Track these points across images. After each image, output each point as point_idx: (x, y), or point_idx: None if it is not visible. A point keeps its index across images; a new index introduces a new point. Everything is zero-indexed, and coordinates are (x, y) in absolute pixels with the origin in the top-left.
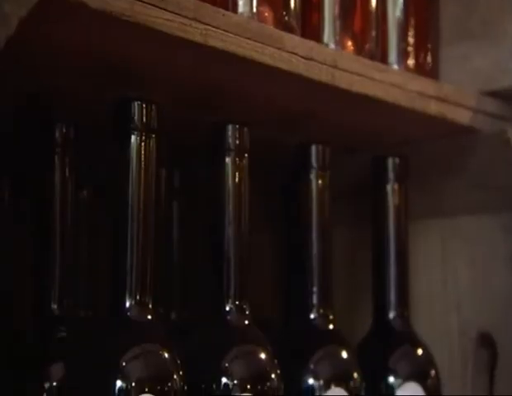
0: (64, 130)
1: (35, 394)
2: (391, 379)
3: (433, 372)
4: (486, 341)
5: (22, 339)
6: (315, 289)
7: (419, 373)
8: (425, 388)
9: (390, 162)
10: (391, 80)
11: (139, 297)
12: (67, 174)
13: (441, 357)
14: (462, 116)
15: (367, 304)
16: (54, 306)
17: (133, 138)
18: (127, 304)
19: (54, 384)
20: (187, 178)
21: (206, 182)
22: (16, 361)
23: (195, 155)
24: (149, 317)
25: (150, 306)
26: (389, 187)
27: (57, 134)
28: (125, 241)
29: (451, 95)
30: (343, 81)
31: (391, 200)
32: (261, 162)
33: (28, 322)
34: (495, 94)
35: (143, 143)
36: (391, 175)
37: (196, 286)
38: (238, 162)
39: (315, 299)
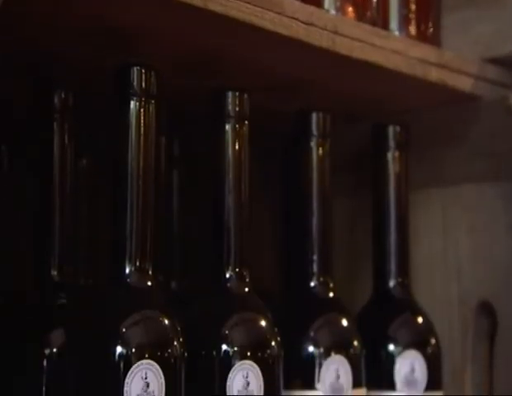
0: (63, 97)
1: (36, 361)
2: (391, 346)
3: (433, 340)
4: (486, 310)
5: (22, 306)
6: (315, 257)
7: (419, 341)
8: (425, 355)
9: (390, 130)
10: (392, 46)
11: (139, 263)
12: (66, 141)
13: (441, 326)
14: (464, 83)
15: (368, 272)
16: (54, 272)
17: (132, 103)
18: (127, 271)
19: (55, 350)
20: (187, 147)
21: (206, 150)
22: (17, 328)
23: (195, 123)
24: (149, 283)
25: (150, 273)
26: (389, 155)
27: (56, 101)
28: (125, 207)
29: (452, 62)
30: (344, 47)
31: (392, 168)
32: (261, 130)
33: (28, 289)
34: (496, 61)
35: (142, 109)
36: (391, 143)
37: (196, 255)
38: (238, 129)
39: (315, 267)
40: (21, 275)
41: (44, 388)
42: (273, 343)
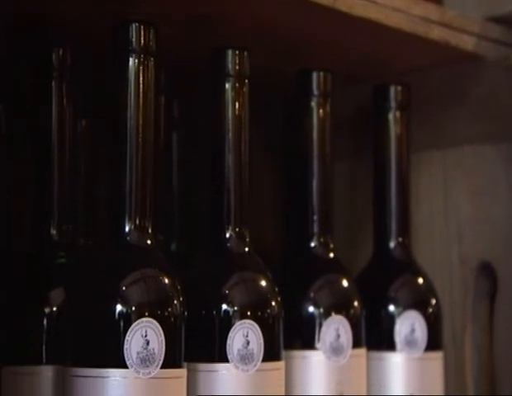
0: (62, 54)
1: (36, 320)
2: (392, 307)
3: (433, 301)
4: (487, 271)
5: (22, 265)
6: (315, 217)
7: (420, 301)
8: (425, 316)
9: (392, 89)
10: (394, 4)
11: (139, 222)
12: (65, 101)
13: (441, 287)
14: (466, 42)
15: (368, 235)
16: (54, 232)
17: (131, 60)
18: (126, 229)
19: (54, 309)
20: (187, 108)
21: (206, 111)
22: (16, 288)
23: (194, 83)
24: (149, 242)
25: (150, 231)
26: (391, 116)
27: (54, 58)
28: (124, 165)
29: (454, 20)
30: (344, 4)
31: (393, 129)
32: (261, 91)
33: (28, 248)
34: (499, 20)
35: (141, 66)
36: (392, 103)
37: (196, 217)
38: (238, 88)
39: (315, 228)
40: (20, 234)
41: (44, 347)
42: (273, 303)
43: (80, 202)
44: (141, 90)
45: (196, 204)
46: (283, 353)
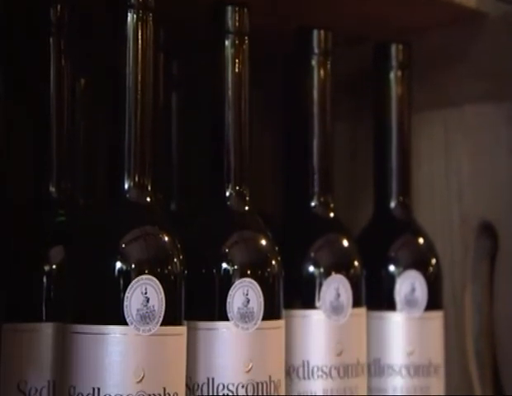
0: (60, 10)
1: (36, 277)
2: (392, 267)
3: (433, 260)
4: (487, 230)
5: (22, 222)
6: (315, 177)
7: (420, 261)
8: (426, 275)
9: (393, 48)
10: None
11: (138, 179)
12: (63, 58)
13: (442, 246)
14: None
15: (368, 196)
16: (52, 189)
17: (130, 16)
18: (126, 186)
19: (54, 266)
20: (187, 67)
21: (206, 70)
22: (16, 245)
23: (194, 41)
24: (148, 199)
25: (149, 189)
26: (392, 75)
27: (52, 14)
28: (123, 121)
29: None
30: None
31: (394, 89)
32: (261, 51)
33: (27, 206)
34: None
35: (140, 22)
36: (394, 62)
37: (196, 177)
38: (237, 45)
39: (315, 187)
40: (20, 193)
41: (44, 305)
42: (273, 262)
43: (79, 161)
44: (140, 46)
45: (196, 164)
46: (283, 312)
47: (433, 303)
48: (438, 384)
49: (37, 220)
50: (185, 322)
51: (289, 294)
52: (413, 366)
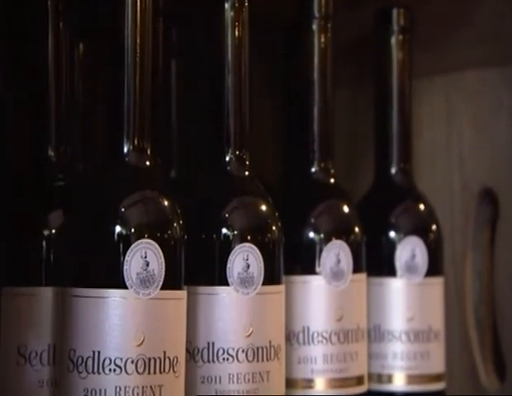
0: None
1: (35, 242)
2: (392, 233)
3: (434, 226)
4: (488, 197)
5: (21, 186)
6: (315, 142)
7: (421, 227)
8: (426, 242)
9: (394, 12)
10: None
11: (137, 142)
12: (61, 22)
13: (442, 213)
14: None
15: (369, 163)
16: (52, 153)
17: None
18: (125, 149)
19: (54, 231)
20: (186, 34)
21: (206, 38)
22: (16, 209)
23: (194, 8)
24: (148, 163)
25: (149, 152)
26: (393, 40)
27: None
28: (122, 83)
29: None
30: None
31: (395, 53)
32: (261, 18)
33: (26, 171)
34: None
35: None
36: (395, 26)
37: (196, 144)
38: (238, 8)
39: (315, 153)
40: (20, 157)
41: (43, 269)
42: (274, 227)
43: (78, 125)
44: (139, 7)
45: (195, 131)
46: (283, 278)
47: (434, 269)
48: (438, 350)
49: (36, 184)
50: (185, 287)
51: (289, 260)
52: (413, 332)
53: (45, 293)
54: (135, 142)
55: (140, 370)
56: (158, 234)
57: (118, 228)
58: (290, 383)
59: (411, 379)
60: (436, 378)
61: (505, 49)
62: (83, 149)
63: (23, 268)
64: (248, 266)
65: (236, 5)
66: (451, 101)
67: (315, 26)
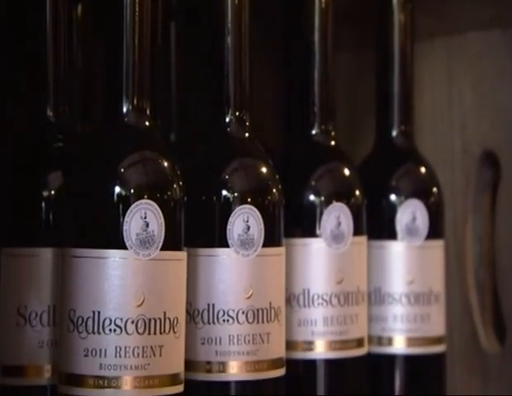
0: None
1: (34, 203)
2: (393, 196)
3: (435, 189)
4: (490, 160)
5: (20, 147)
6: (316, 104)
7: (421, 190)
8: (427, 204)
9: None
10: None
11: (137, 102)
12: None
13: (443, 176)
14: None
15: (370, 126)
16: (50, 113)
17: None
18: (124, 109)
19: (53, 192)
20: None
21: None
22: (15, 170)
23: None
24: (147, 123)
25: (148, 113)
26: (394, 1)
27: None
28: (121, 42)
29: None
30: None
31: (397, 15)
32: None
33: (25, 131)
34: None
35: None
36: None
37: (195, 107)
38: None
39: (316, 115)
40: (20, 118)
41: (43, 230)
42: (274, 189)
43: (77, 86)
44: None
45: (195, 94)
46: (284, 241)
47: (434, 232)
48: (438, 313)
49: (35, 145)
50: (185, 249)
51: (290, 223)
52: (413, 295)
53: (45, 254)
54: (134, 102)
55: (140, 330)
56: (158, 195)
57: (117, 189)
58: (290, 345)
59: (411, 341)
60: (436, 340)
61: (509, 10)
62: (82, 111)
63: (23, 229)
64: (249, 228)
65: None
66: (452, 63)
67: None
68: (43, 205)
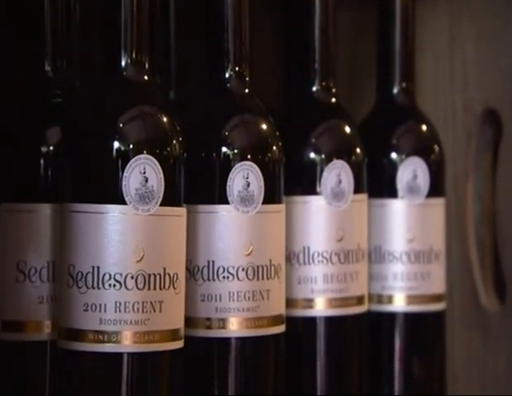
0: None
1: (33, 159)
2: (394, 154)
3: (436, 147)
4: (491, 118)
5: (17, 103)
6: (316, 59)
7: (423, 148)
8: (428, 162)
9: None
10: None
11: (135, 55)
12: None
13: (445, 134)
14: None
15: (372, 86)
16: (48, 68)
17: None
18: (123, 63)
19: (51, 148)
20: None
21: None
22: (14, 126)
23: None
24: (146, 78)
25: (147, 66)
26: None
27: None
28: None
29: None
30: None
31: None
32: None
33: (24, 85)
34: None
35: None
36: None
37: (195, 62)
38: None
39: (316, 71)
40: (17, 72)
41: (42, 186)
42: (274, 146)
43: (76, 37)
44: None
45: (195, 51)
46: (284, 199)
47: (435, 190)
48: (438, 270)
49: (33, 100)
50: (184, 205)
51: (290, 181)
52: (414, 253)
53: (44, 209)
54: (133, 55)
55: (140, 285)
56: (157, 150)
57: (116, 144)
58: (290, 302)
59: (412, 299)
60: (436, 298)
61: None
62: (81, 67)
63: (22, 185)
64: (249, 185)
65: None
66: (455, 20)
67: None
68: (42, 160)
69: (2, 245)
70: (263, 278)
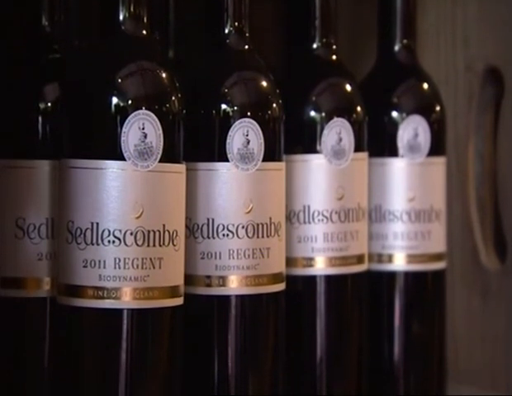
0: None
1: (31, 115)
2: (395, 112)
3: (437, 106)
4: (493, 77)
5: (16, 58)
6: (317, 15)
7: (424, 106)
8: (429, 121)
9: None
10: None
11: (133, 8)
12: None
13: (446, 94)
14: None
15: (373, 44)
16: (45, 22)
17: None
18: (121, 17)
19: (49, 104)
20: None
21: None
22: (11, 82)
23: None
24: (145, 32)
25: (146, 20)
26: None
27: None
28: None
29: None
30: None
31: None
32: None
33: (20, 42)
34: None
35: None
36: None
37: (194, 19)
38: None
39: (317, 27)
40: (14, 28)
41: (41, 143)
42: (274, 104)
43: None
44: None
45: (193, 5)
46: (284, 158)
47: (436, 148)
48: (439, 230)
49: (31, 56)
50: (184, 163)
51: (290, 139)
52: (414, 212)
53: (43, 166)
54: (131, 8)
55: (140, 242)
56: (156, 106)
57: (115, 99)
58: (290, 261)
59: (412, 258)
60: (437, 257)
61: None
62: (79, 22)
63: (20, 141)
64: (248, 142)
65: None
66: None
67: None
68: (40, 116)
69: (1, 202)
70: (262, 236)
